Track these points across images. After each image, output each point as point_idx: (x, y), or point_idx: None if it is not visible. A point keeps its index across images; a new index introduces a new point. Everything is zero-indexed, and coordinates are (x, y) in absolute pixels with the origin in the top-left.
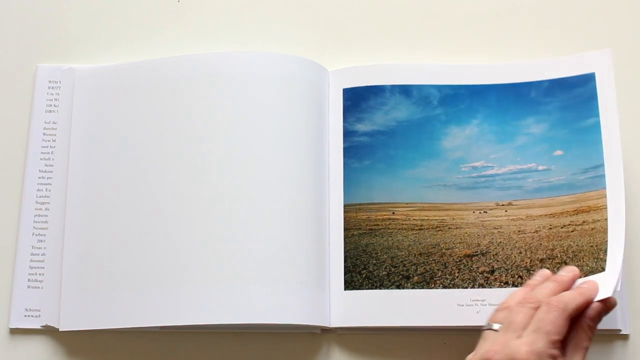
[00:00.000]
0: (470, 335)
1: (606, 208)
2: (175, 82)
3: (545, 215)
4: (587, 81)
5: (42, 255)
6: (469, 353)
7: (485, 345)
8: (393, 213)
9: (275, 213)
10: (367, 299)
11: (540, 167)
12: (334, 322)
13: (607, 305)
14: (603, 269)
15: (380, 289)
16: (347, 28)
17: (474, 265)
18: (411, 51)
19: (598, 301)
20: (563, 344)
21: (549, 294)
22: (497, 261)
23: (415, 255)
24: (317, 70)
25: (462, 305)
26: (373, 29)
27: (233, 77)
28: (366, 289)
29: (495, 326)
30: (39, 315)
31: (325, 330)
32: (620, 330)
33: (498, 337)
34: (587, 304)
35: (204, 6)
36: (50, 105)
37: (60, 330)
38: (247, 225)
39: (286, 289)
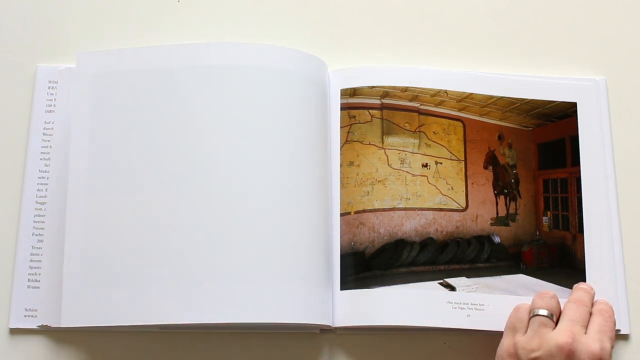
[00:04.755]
0: (470, 335)
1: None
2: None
3: None
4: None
5: (41, 255)
6: (469, 353)
7: (545, 331)
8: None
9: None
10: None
11: None
12: (335, 321)
13: None
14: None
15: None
16: (346, 28)
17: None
18: (410, 52)
19: None
20: None
21: (590, 301)
22: None
23: None
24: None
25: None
26: (373, 30)
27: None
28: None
29: (543, 312)
30: (37, 316)
31: (324, 330)
32: (620, 330)
33: (566, 324)
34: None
35: (204, 6)
36: (50, 106)
37: (62, 326)
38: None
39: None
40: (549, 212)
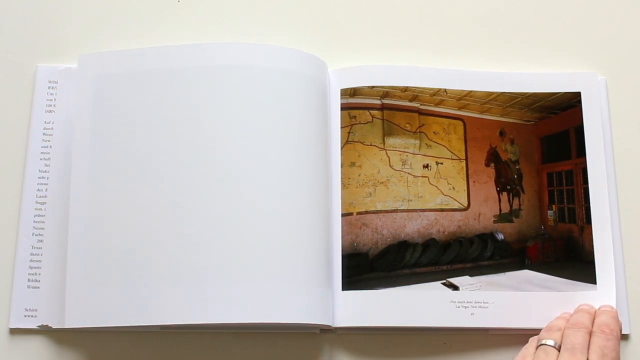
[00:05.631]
0: (470, 335)
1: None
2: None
3: None
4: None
5: (41, 255)
6: (469, 353)
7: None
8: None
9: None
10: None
11: None
12: (336, 322)
13: None
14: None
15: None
16: (346, 28)
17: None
18: (410, 52)
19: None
20: None
21: (590, 320)
22: None
23: None
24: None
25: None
26: (373, 30)
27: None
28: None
29: (550, 342)
30: (37, 316)
31: (324, 330)
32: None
33: (565, 356)
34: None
35: (204, 6)
36: (50, 106)
37: (65, 327)
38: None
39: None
40: (554, 206)
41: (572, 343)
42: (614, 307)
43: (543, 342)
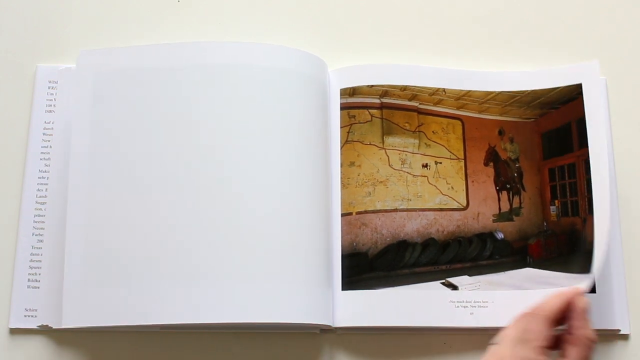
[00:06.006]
0: (470, 335)
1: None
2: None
3: None
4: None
5: (41, 255)
6: (469, 353)
7: (485, 358)
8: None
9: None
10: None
11: None
12: (335, 321)
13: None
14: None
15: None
16: (346, 28)
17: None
18: (410, 51)
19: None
20: (556, 346)
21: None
22: None
23: None
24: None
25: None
26: (373, 30)
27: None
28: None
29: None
30: (37, 316)
31: (324, 330)
32: (620, 330)
33: (495, 350)
34: (567, 304)
35: (204, 6)
36: (50, 106)
37: (62, 326)
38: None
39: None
40: (556, 201)
41: (503, 335)
42: (585, 287)
43: (492, 342)
